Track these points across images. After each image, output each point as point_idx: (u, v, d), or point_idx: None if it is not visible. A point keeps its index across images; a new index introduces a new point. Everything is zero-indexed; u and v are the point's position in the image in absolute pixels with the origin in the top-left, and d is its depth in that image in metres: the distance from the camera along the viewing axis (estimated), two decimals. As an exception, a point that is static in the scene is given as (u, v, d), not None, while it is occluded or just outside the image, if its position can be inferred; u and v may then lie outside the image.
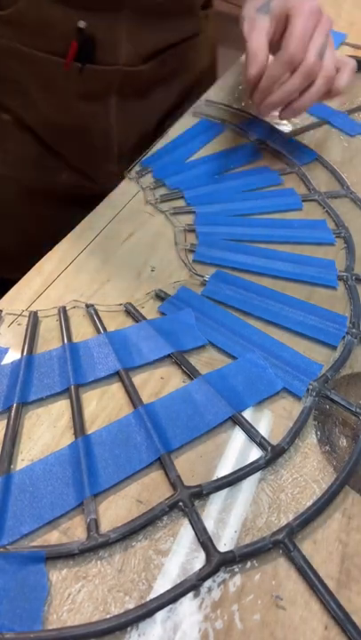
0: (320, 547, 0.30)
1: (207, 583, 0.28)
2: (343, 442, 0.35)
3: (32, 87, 0.53)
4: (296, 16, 0.44)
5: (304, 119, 0.67)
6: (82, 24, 0.49)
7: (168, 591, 0.27)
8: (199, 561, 0.28)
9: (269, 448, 0.33)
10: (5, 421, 0.33)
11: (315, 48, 0.44)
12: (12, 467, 0.31)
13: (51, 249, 0.45)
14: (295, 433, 0.34)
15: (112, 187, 0.51)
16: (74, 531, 0.29)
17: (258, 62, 0.46)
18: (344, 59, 0.50)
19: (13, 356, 0.37)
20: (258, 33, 0.46)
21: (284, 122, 0.66)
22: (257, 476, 0.32)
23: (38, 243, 0.45)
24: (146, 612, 0.26)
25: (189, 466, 0.32)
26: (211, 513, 0.30)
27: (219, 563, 0.28)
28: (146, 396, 0.35)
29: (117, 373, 0.36)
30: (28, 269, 0.43)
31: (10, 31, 0.48)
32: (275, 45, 0.48)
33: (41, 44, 0.46)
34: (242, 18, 0.49)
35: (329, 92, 0.48)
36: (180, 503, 0.30)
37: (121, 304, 0.42)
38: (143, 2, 0.49)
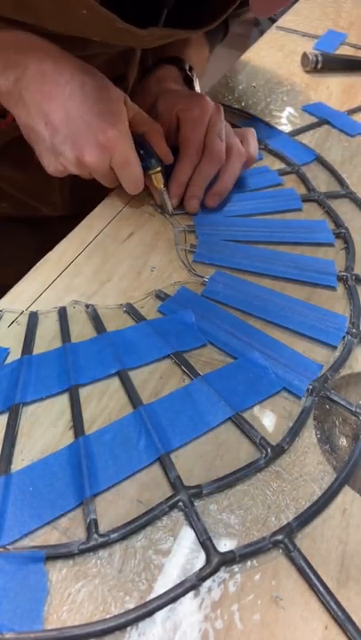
0: (320, 546, 0.30)
1: (207, 583, 0.28)
2: (343, 442, 0.35)
3: None
4: (185, 121, 0.47)
5: (304, 119, 0.67)
6: None
7: (168, 591, 0.27)
8: (199, 561, 0.28)
9: (269, 448, 0.33)
10: (5, 421, 0.33)
11: (215, 136, 0.47)
12: (11, 467, 0.31)
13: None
14: (295, 433, 0.34)
15: (55, 212, 0.52)
16: (74, 531, 0.29)
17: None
18: (243, 130, 0.52)
19: (13, 355, 0.37)
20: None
21: (284, 122, 0.66)
22: (257, 476, 0.32)
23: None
24: (146, 612, 0.26)
25: (189, 466, 0.32)
26: (211, 513, 0.30)
27: (219, 563, 0.28)
28: (146, 396, 0.35)
29: (117, 373, 0.36)
30: None
31: None
32: (174, 136, 0.49)
33: None
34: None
35: (245, 163, 0.51)
36: (180, 503, 0.30)
37: (121, 304, 0.42)
38: None
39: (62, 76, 0.40)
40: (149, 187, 0.49)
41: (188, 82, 0.56)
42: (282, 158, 0.59)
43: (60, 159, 0.42)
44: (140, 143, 0.45)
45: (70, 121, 0.40)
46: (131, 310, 0.41)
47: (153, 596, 0.27)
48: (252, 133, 0.52)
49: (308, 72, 0.77)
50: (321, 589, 0.27)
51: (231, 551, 0.28)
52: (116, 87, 0.43)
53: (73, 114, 0.40)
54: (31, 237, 0.62)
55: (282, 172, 0.57)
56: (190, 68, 0.56)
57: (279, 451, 0.33)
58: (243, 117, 0.66)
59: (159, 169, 0.47)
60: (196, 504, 0.30)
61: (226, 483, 0.31)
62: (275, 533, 0.29)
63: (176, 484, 0.31)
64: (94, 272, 0.44)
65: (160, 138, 0.46)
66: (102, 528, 0.29)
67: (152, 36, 0.44)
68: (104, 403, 0.35)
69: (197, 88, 0.56)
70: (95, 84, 0.41)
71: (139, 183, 0.45)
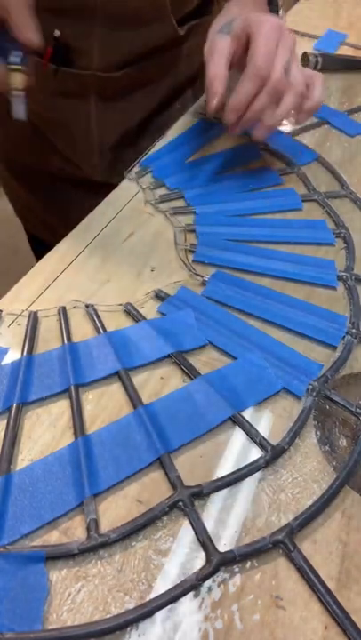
0: (320, 547, 0.30)
1: (207, 583, 0.28)
2: (343, 442, 0.35)
3: None
4: (258, 34, 0.45)
5: (304, 119, 0.67)
6: (57, 33, 0.51)
7: (168, 591, 0.27)
8: (199, 561, 0.28)
9: (269, 448, 0.33)
10: (5, 421, 0.33)
11: (279, 64, 0.44)
12: (11, 467, 0.31)
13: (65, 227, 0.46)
14: (295, 433, 0.34)
15: (96, 175, 0.53)
16: (74, 531, 0.29)
17: (216, 93, 0.46)
18: (312, 73, 0.49)
19: (13, 356, 0.37)
20: (217, 57, 0.46)
21: (284, 122, 0.66)
22: (257, 475, 0.32)
23: (45, 219, 0.48)
24: (146, 612, 0.26)
25: (189, 466, 0.32)
26: (211, 513, 0.30)
27: (219, 563, 0.28)
28: (146, 396, 0.35)
29: (117, 373, 0.36)
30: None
31: None
32: (239, 63, 0.47)
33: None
34: (207, 40, 0.49)
35: (303, 109, 0.48)
36: (180, 503, 0.30)
37: (121, 304, 0.42)
38: (113, 10, 0.49)
39: None
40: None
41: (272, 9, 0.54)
42: (282, 158, 0.59)
43: None
44: (4, 33, 0.39)
45: None
46: (131, 310, 0.41)
47: (153, 595, 0.27)
48: (320, 79, 0.49)
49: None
50: (321, 589, 0.27)
51: (231, 551, 0.28)
52: None
53: None
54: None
55: (282, 172, 0.57)
56: None
57: (279, 451, 0.33)
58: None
59: (19, 67, 0.40)
60: (196, 504, 0.30)
61: (226, 483, 0.31)
62: (275, 533, 0.29)
63: (176, 483, 0.31)
64: (94, 272, 0.44)
65: (21, 12, 0.38)
66: (102, 528, 0.29)
67: None
68: (104, 403, 0.35)
69: (281, 14, 0.54)
70: None
71: None
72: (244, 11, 0.50)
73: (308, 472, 0.33)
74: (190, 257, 0.46)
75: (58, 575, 0.27)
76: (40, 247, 0.45)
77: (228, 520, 0.30)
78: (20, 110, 0.42)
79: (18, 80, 0.41)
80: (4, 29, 0.39)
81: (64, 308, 0.41)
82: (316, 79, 0.49)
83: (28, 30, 0.39)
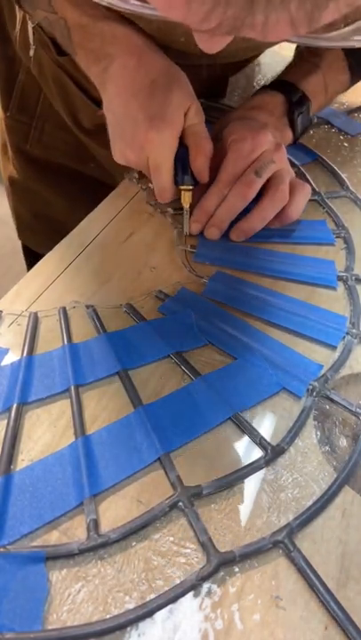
0: (320, 547, 0.30)
1: (207, 583, 0.28)
2: (343, 442, 0.35)
3: (76, 98, 0.57)
4: (231, 152, 0.45)
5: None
6: None
7: (168, 591, 0.27)
8: (199, 561, 0.28)
9: (269, 448, 0.33)
10: (5, 421, 0.33)
11: (252, 169, 0.44)
12: (12, 467, 0.31)
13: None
14: (295, 433, 0.34)
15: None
16: (74, 531, 0.29)
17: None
18: (298, 184, 0.48)
19: (13, 356, 0.37)
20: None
21: None
22: (257, 475, 0.32)
23: (63, 221, 0.49)
24: (146, 612, 0.26)
25: (189, 466, 0.32)
26: (211, 513, 0.30)
27: (219, 563, 0.28)
28: (146, 396, 0.35)
29: (117, 373, 0.36)
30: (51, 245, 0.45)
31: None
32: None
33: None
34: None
35: (281, 216, 0.48)
36: (180, 503, 0.30)
37: (121, 304, 0.42)
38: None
39: (139, 73, 0.42)
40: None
41: (293, 112, 0.52)
42: (282, 158, 0.59)
43: (114, 148, 0.45)
44: (182, 156, 0.44)
45: (127, 116, 0.42)
46: (131, 310, 0.41)
47: (153, 596, 0.27)
48: (303, 191, 0.48)
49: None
50: (321, 589, 0.27)
51: (231, 551, 0.28)
52: (186, 94, 0.43)
53: (131, 110, 0.42)
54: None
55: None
56: (301, 99, 0.51)
57: (279, 451, 0.33)
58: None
59: (190, 187, 0.45)
60: (196, 504, 0.30)
61: (226, 483, 0.31)
62: (275, 533, 0.29)
63: (176, 484, 0.31)
64: (94, 272, 0.44)
65: (200, 154, 0.44)
66: (102, 528, 0.29)
67: None
68: (104, 403, 0.35)
69: (301, 120, 0.52)
70: (164, 86, 0.42)
71: (164, 193, 0.45)
72: (245, 114, 0.50)
73: (308, 472, 0.33)
74: (190, 257, 0.46)
75: (58, 575, 0.27)
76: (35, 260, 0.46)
77: (228, 520, 0.30)
78: (187, 225, 0.47)
79: (188, 199, 0.46)
80: (182, 152, 0.44)
81: (64, 309, 0.41)
82: (299, 191, 0.48)
83: (202, 163, 0.45)
